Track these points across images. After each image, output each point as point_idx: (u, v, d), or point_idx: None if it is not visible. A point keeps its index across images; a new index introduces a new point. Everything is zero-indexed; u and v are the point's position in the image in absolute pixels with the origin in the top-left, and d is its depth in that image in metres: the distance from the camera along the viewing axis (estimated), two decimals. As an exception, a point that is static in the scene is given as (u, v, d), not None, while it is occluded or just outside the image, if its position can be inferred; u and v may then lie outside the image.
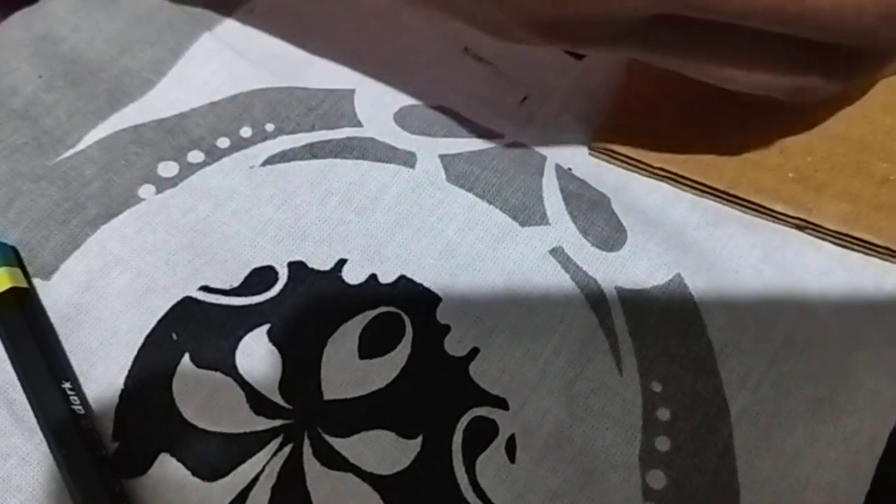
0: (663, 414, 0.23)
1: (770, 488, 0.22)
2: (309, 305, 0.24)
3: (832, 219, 0.25)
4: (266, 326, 0.24)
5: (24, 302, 0.23)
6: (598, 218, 0.26)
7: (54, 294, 0.24)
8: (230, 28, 0.30)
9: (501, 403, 0.23)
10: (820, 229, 0.26)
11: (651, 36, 0.21)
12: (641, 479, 0.22)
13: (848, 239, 0.25)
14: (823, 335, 0.24)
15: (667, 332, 0.24)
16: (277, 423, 0.22)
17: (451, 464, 0.22)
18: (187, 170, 0.26)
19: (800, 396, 0.23)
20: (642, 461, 0.22)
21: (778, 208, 0.26)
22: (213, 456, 0.22)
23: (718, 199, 0.27)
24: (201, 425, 0.22)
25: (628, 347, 0.24)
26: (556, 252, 0.25)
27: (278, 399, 0.23)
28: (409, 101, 0.29)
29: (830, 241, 0.26)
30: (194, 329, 0.24)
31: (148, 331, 0.24)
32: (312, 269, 0.25)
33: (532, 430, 0.23)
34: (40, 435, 0.22)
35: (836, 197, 0.26)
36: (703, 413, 0.23)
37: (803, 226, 0.26)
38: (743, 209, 0.27)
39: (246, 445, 0.22)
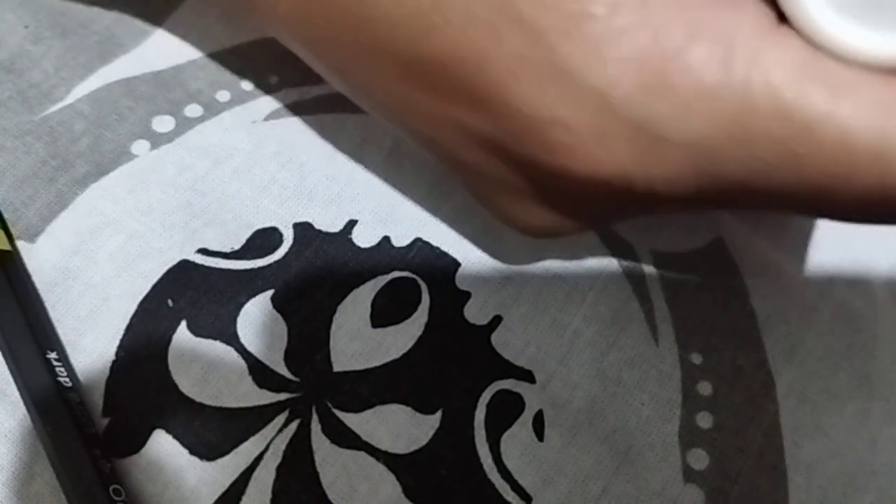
0: (704, 388, 0.21)
1: (820, 470, 0.21)
2: (316, 270, 0.22)
3: None
4: (270, 292, 0.22)
5: (7, 265, 0.22)
6: (631, 176, 0.24)
7: (40, 257, 0.22)
8: (230, -24, 0.28)
9: (527, 376, 0.21)
10: None
11: None
12: (682, 458, 0.20)
13: None
14: (872, 306, 0.23)
15: (706, 300, 0.22)
16: (283, 396, 0.21)
17: (473, 441, 0.20)
18: (184, 125, 0.24)
19: (850, 371, 0.22)
20: (682, 439, 0.21)
21: None
22: (213, 433, 0.20)
23: None
24: (199, 399, 0.21)
25: (665, 316, 0.22)
26: (586, 214, 0.24)
27: (283, 371, 0.21)
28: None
29: None
30: (192, 295, 0.22)
31: (141, 297, 0.22)
32: (320, 231, 0.23)
33: (561, 405, 0.21)
34: (24, 409, 0.20)
35: None
36: (746, 388, 0.21)
37: None
38: None
39: (249, 421, 0.20)
